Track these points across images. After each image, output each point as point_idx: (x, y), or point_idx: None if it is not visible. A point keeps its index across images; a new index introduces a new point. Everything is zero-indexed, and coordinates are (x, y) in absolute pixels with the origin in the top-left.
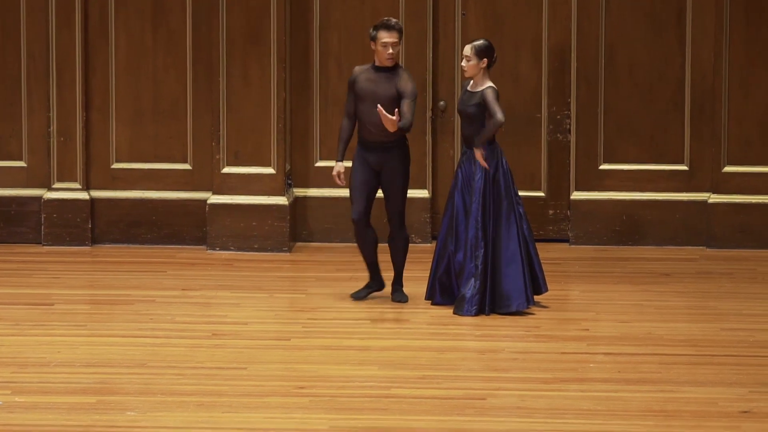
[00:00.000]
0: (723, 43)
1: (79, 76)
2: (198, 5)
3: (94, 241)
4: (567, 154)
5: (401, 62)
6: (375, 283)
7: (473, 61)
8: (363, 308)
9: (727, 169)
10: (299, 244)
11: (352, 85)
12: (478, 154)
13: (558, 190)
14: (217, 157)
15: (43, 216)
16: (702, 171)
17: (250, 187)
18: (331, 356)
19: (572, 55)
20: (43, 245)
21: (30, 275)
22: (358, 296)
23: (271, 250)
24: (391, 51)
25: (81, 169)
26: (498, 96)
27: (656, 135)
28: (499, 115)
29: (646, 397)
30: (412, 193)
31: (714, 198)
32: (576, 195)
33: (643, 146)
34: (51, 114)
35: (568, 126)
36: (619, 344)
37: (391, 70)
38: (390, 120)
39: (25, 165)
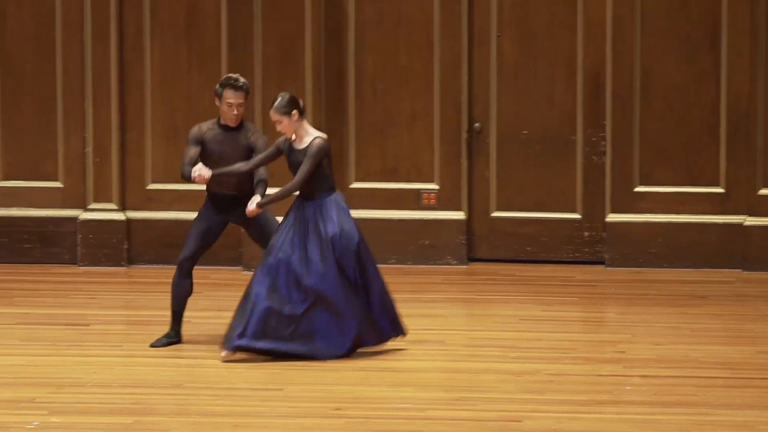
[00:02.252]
0: (758, 66)
1: (115, 94)
2: (233, 25)
3: (130, 261)
4: (602, 176)
5: (435, 85)
6: (175, 334)
7: (285, 121)
8: None
9: (763, 191)
10: None
11: (198, 140)
12: (255, 210)
13: (593, 211)
14: None
15: (79, 236)
16: (737, 193)
17: (285, 208)
18: (367, 378)
19: (607, 77)
20: (79, 266)
21: (66, 296)
22: (157, 345)
23: None
24: (235, 112)
25: (117, 189)
26: (326, 152)
27: (691, 157)
28: (298, 181)
29: (682, 420)
30: (447, 215)
31: (750, 220)
32: (611, 217)
33: (678, 169)
34: (87, 134)
35: (604, 148)
36: (655, 366)
37: (238, 128)
38: (255, 211)
39: (61, 185)
